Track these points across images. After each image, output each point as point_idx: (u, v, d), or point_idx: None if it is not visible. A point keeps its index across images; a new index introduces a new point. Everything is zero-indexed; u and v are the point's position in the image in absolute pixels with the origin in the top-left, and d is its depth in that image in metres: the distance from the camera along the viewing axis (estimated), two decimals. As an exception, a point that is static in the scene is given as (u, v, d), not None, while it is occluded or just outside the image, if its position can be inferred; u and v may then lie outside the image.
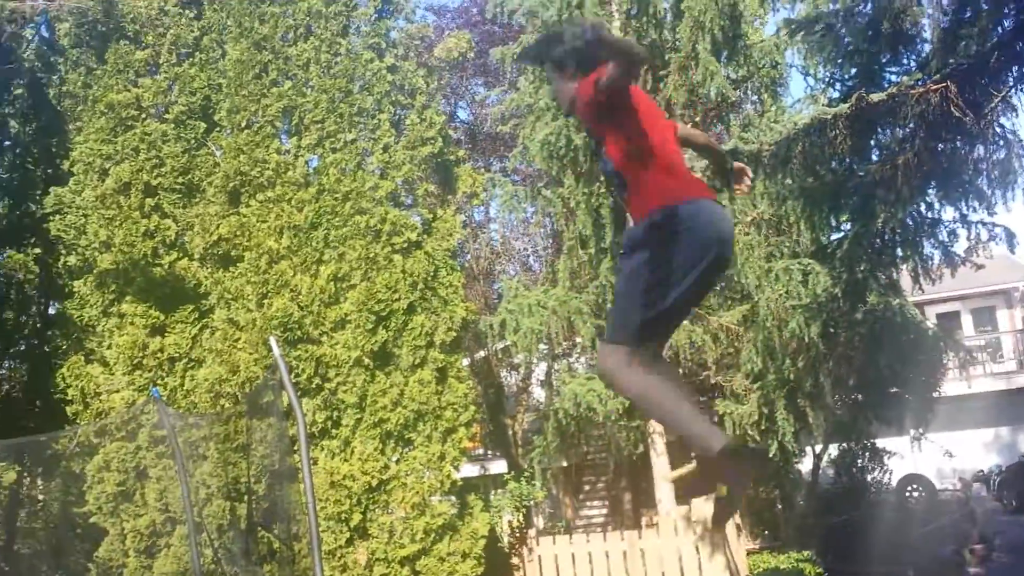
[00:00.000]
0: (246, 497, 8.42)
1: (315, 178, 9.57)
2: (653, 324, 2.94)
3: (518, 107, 12.28)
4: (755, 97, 12.31)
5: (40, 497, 11.31)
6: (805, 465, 13.50)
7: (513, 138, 12.70)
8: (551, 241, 16.61)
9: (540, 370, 15.96)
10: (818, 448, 13.05)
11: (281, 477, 8.29)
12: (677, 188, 2.94)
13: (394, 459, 8.81)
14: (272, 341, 7.15)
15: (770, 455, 9.95)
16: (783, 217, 9.65)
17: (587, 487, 16.81)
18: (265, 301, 8.98)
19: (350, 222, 9.27)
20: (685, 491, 10.31)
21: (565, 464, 14.68)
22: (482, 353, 15.35)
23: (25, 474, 10.78)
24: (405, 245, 9.39)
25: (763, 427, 9.83)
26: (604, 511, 16.07)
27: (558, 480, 14.93)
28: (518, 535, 10.71)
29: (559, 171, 11.43)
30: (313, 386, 8.74)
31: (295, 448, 7.42)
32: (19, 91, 12.71)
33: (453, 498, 9.11)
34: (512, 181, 13.54)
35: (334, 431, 8.77)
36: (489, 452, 16.64)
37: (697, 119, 11.74)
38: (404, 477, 8.70)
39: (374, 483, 8.55)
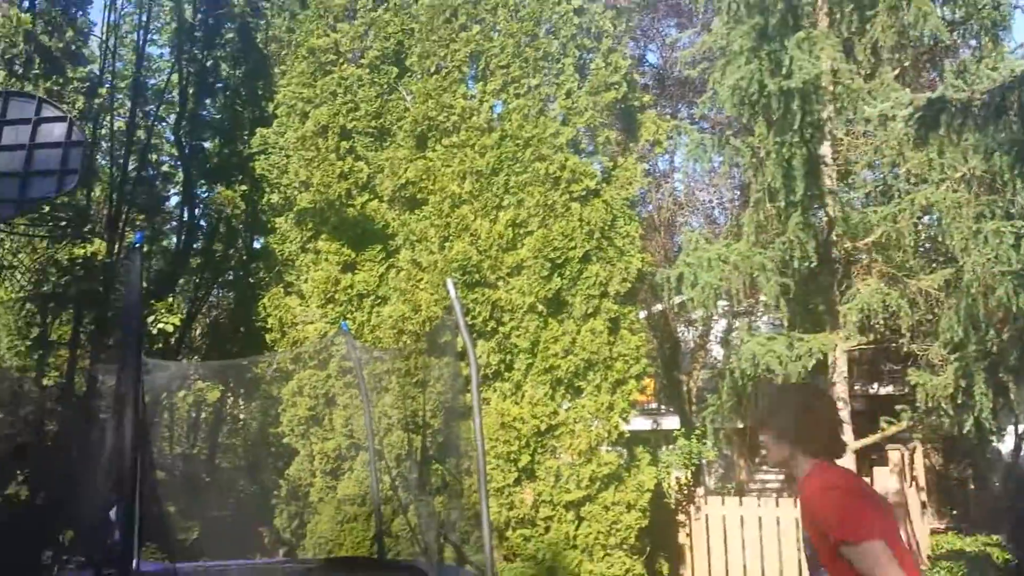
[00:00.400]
0: (422, 430, 8.81)
1: (498, 124, 9.66)
2: None
3: (709, 50, 11.75)
4: (973, 41, 11.16)
5: (240, 416, 12.40)
6: (1005, 445, 12.44)
7: (703, 83, 12.20)
8: (738, 193, 16.00)
9: (719, 327, 15.54)
10: (1021, 427, 11.98)
11: (455, 414, 8.59)
12: None
13: (563, 406, 8.90)
14: (449, 283, 7.33)
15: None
16: (997, 174, 8.77)
17: (764, 451, 16.31)
18: (447, 244, 9.23)
19: (530, 168, 9.31)
20: (869, 462, 9.80)
21: (741, 425, 14.31)
22: (659, 307, 15.11)
23: (228, 394, 11.83)
24: (583, 193, 9.34)
25: (959, 401, 9.10)
26: (781, 476, 15.57)
27: (733, 441, 14.56)
28: (685, 493, 10.59)
29: (750, 118, 10.87)
30: (488, 329, 8.95)
31: (468, 388, 7.64)
32: (230, 35, 13.62)
33: (621, 449, 9.12)
34: (699, 129, 13.07)
35: (507, 374, 8.97)
36: (662, 407, 16.50)
37: (907, 64, 10.81)
38: (572, 424, 8.78)
39: (543, 427, 8.68)
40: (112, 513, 4.07)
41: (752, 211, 11.27)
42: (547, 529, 8.50)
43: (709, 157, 12.05)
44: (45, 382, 9.41)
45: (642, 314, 12.82)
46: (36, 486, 8.89)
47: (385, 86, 10.04)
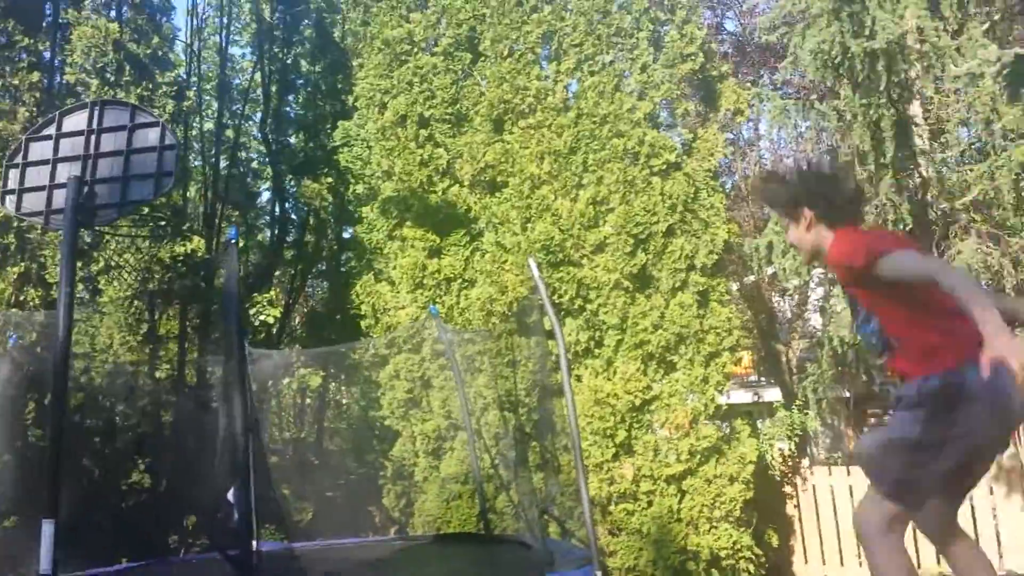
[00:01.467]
0: (517, 409, 8.90)
1: (574, 102, 9.64)
2: (921, 491, 2.76)
3: (789, 13, 11.44)
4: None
5: (343, 401, 12.77)
6: None
7: (784, 48, 11.89)
8: (827, 158, 15.55)
9: (816, 295, 15.20)
10: None
11: (548, 392, 8.65)
12: (957, 349, 2.64)
13: (657, 380, 8.86)
14: (531, 263, 7.38)
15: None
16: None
17: (872, 420, 15.95)
18: (529, 225, 9.28)
19: (608, 145, 9.26)
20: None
21: (847, 394, 13.98)
22: (752, 278, 14.85)
23: (329, 380, 12.20)
24: (664, 167, 9.24)
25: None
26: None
27: (837, 411, 14.23)
28: (790, 464, 10.44)
29: (834, 81, 10.58)
30: (575, 307, 8.97)
31: (559, 366, 7.69)
32: (308, 32, 13.93)
33: (719, 422, 9.02)
34: (782, 95, 12.75)
35: (596, 351, 8.97)
36: (763, 379, 16.23)
37: (996, 17, 10.32)
38: (667, 398, 8.73)
39: (637, 402, 8.66)
40: (230, 495, 4.28)
41: (842, 175, 10.96)
42: (650, 503, 8.50)
43: (794, 123, 11.77)
44: (158, 375, 9.90)
45: (734, 286, 12.63)
46: (157, 474, 9.38)
47: (460, 72, 10.13)
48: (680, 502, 8.49)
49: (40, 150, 5.25)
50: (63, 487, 4.23)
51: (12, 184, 5.24)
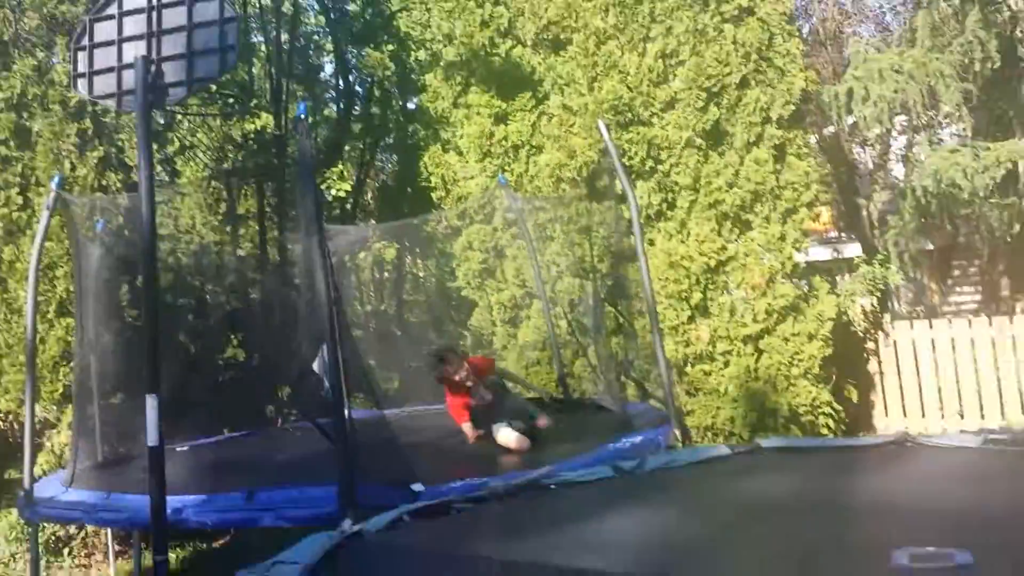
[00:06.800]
0: (591, 275, 8.89)
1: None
2: None
3: None
4: None
5: (419, 273, 12.96)
6: None
7: None
8: (912, -6, 14.55)
9: (898, 144, 14.54)
10: None
11: (621, 257, 8.58)
12: None
13: (732, 241, 8.69)
14: (601, 125, 7.19)
15: None
16: None
17: (957, 272, 15.51)
18: (595, 84, 8.97)
19: (677, -9, 8.77)
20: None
21: (930, 247, 13.58)
22: (831, 129, 14.23)
23: (405, 253, 12.37)
24: (736, 12, 8.70)
25: None
26: (977, 298, 14.80)
27: (920, 264, 13.84)
28: (871, 319, 10.28)
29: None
30: (646, 168, 8.75)
31: (632, 230, 7.60)
32: None
33: (797, 280, 8.86)
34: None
35: (669, 212, 8.80)
36: (843, 235, 15.84)
37: None
38: (743, 258, 8.59)
39: (712, 264, 8.54)
40: (315, 366, 4.42)
41: (925, 12, 10.31)
42: (726, 363, 8.49)
43: (872, -44, 10.99)
44: (241, 253, 10.14)
45: (813, 139, 12.18)
46: (250, 348, 9.75)
47: (518, -79, 9.64)
48: (757, 361, 8.47)
49: (105, 31, 5.19)
50: (163, 364, 4.40)
51: (82, 67, 5.20)
